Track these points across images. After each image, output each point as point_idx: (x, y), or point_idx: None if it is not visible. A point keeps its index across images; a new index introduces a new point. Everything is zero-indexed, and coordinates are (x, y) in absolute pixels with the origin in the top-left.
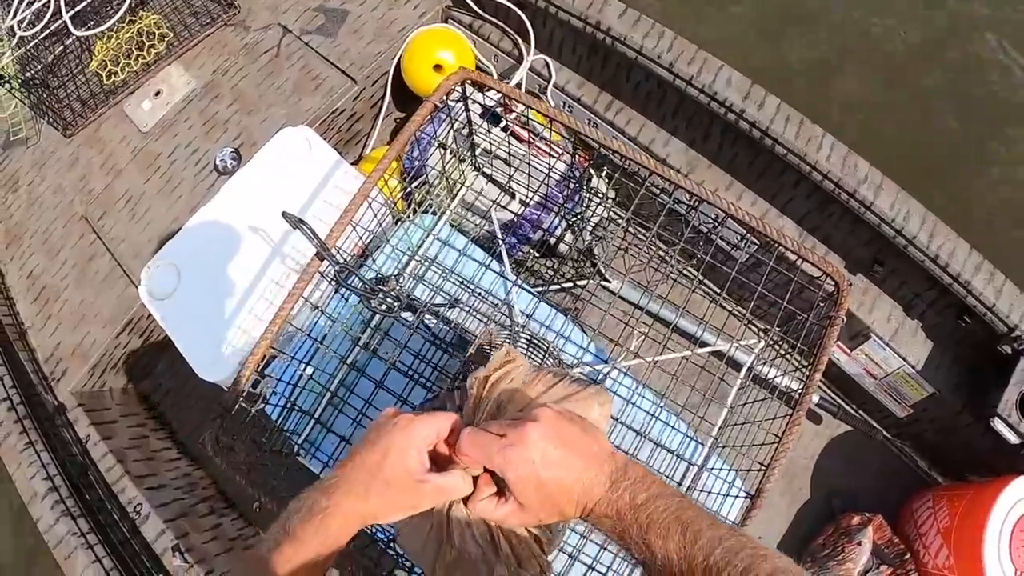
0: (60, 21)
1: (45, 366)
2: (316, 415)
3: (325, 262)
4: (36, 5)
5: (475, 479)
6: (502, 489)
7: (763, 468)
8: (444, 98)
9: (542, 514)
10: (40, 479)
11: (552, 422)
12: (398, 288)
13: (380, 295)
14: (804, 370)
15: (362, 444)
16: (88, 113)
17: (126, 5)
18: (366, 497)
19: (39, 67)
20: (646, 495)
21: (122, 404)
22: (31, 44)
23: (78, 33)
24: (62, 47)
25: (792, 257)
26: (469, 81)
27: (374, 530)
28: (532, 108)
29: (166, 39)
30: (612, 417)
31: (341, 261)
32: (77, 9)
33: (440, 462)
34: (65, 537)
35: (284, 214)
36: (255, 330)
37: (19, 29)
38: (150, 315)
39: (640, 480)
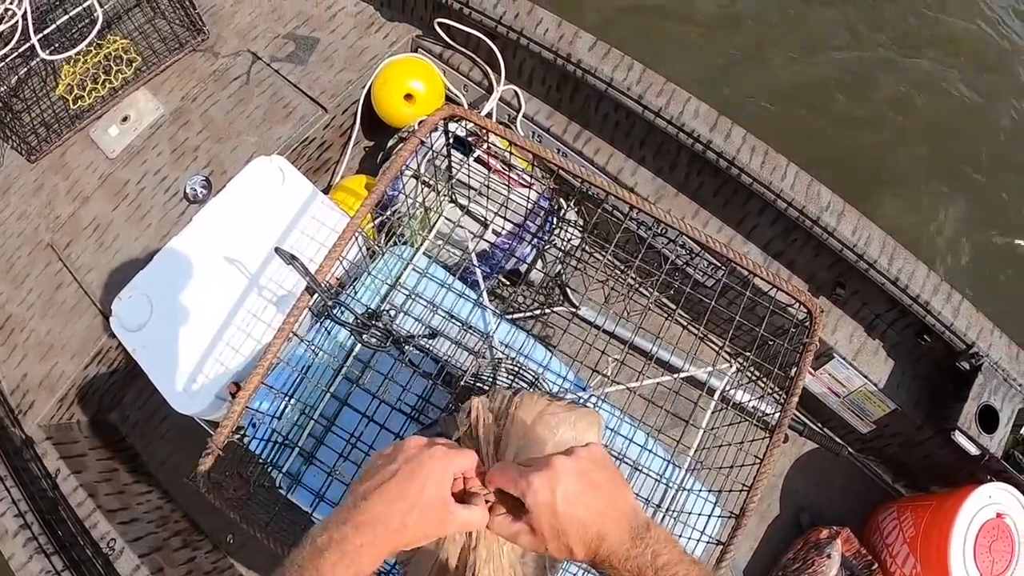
0: (27, 44)
1: (11, 398)
2: (299, 446)
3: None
4: (3, 27)
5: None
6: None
7: (746, 489)
8: (429, 134)
9: (551, 544)
10: (11, 516)
11: (583, 461)
12: (389, 322)
13: (371, 330)
14: (777, 393)
15: (391, 475)
16: (53, 138)
17: (95, 29)
18: (402, 530)
19: (3, 89)
20: (667, 558)
21: (91, 437)
22: None
23: (45, 56)
24: (27, 69)
25: (765, 286)
26: (453, 117)
27: None
28: (515, 143)
29: (134, 64)
30: None
31: (333, 297)
32: (45, 32)
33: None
34: (39, 575)
35: (277, 250)
36: (231, 362)
37: None
38: (118, 346)
39: (662, 542)
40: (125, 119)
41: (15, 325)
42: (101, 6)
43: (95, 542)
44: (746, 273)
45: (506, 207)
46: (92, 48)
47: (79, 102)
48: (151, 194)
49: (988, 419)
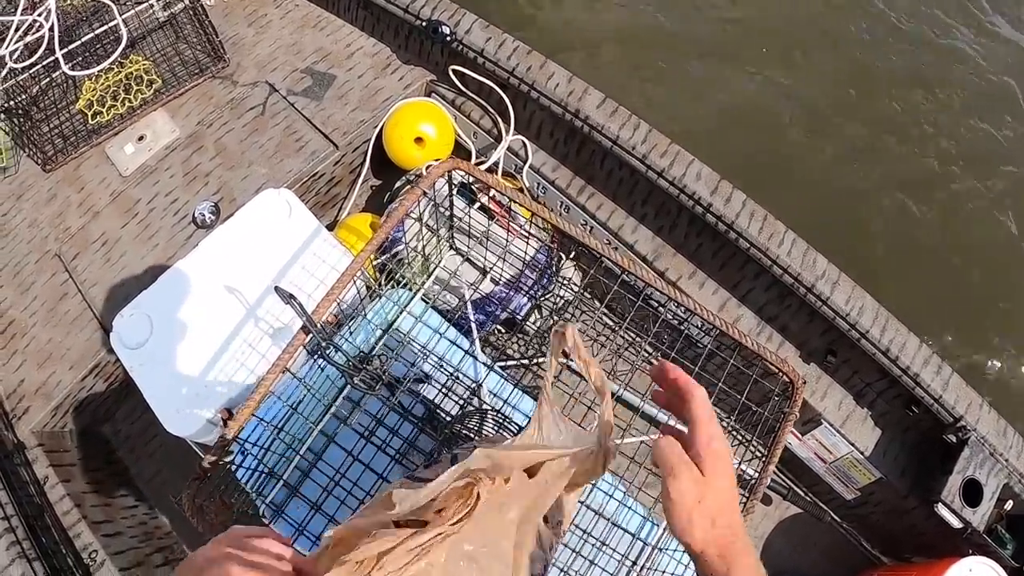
0: (52, 58)
1: (7, 402)
2: (284, 479)
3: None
4: (29, 38)
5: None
6: None
7: None
8: (433, 184)
9: (707, 460)
10: None
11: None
12: (381, 366)
13: (363, 373)
14: (759, 457)
15: None
16: (69, 150)
17: (119, 48)
18: None
19: (24, 98)
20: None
21: (81, 447)
22: (21, 76)
23: (68, 70)
24: (49, 80)
25: (751, 354)
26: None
27: None
28: (515, 202)
29: (154, 85)
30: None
31: (328, 339)
32: (70, 47)
33: None
34: None
35: (277, 289)
36: (224, 388)
37: (10, 60)
38: (116, 360)
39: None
40: (141, 138)
41: (17, 330)
42: (126, 26)
43: (77, 552)
44: (734, 342)
45: (503, 258)
46: (114, 66)
47: (97, 117)
48: (160, 215)
49: (972, 493)
